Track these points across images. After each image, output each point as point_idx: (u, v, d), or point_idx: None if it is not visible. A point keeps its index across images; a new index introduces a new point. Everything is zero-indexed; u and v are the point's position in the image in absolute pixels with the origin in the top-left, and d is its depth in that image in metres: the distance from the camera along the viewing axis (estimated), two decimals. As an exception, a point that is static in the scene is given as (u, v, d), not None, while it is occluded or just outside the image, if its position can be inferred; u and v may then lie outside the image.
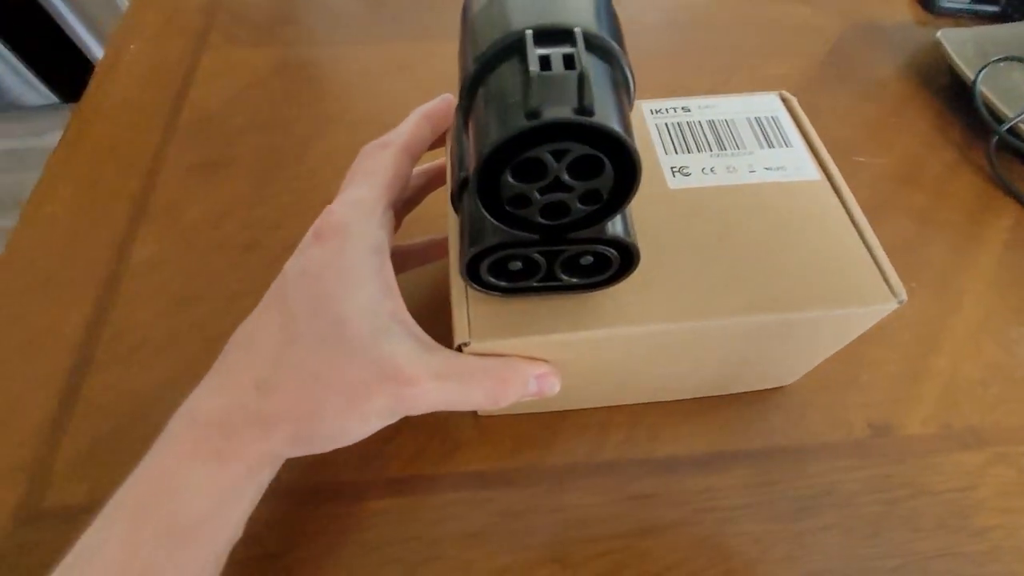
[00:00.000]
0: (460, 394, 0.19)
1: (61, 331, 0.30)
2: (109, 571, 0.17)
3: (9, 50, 1.24)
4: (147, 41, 0.45)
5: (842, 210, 0.23)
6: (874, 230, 0.23)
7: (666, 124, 0.26)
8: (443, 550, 0.26)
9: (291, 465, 0.21)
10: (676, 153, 0.25)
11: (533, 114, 0.13)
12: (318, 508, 0.26)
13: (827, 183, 0.24)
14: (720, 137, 0.25)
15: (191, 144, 0.39)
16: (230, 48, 0.45)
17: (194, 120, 0.40)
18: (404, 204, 0.26)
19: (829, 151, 0.25)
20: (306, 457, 0.20)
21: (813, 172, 0.24)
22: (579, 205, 0.16)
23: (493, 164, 0.14)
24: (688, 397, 0.29)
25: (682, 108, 0.27)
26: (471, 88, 0.16)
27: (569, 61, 0.14)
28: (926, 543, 0.26)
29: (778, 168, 0.24)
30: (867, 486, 0.27)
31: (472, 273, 0.19)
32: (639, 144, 0.24)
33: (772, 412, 0.29)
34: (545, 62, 0.14)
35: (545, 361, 0.21)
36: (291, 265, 0.20)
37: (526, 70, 0.13)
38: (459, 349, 0.20)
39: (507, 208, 0.16)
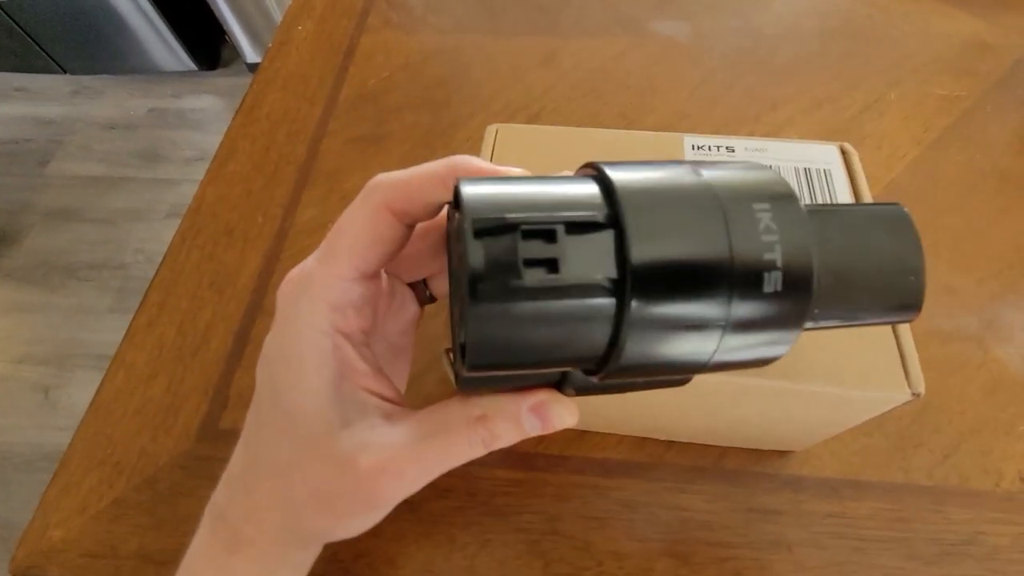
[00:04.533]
0: (442, 454, 0.17)
1: (239, 276, 0.34)
2: None
3: (159, 15, 1.37)
4: (314, 21, 0.49)
5: None
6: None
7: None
8: (564, 527, 0.27)
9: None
10: None
11: None
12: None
13: None
14: None
15: (350, 118, 0.42)
16: (387, 31, 0.48)
17: (353, 96, 0.44)
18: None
19: (996, 182, 0.23)
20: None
21: None
22: None
23: None
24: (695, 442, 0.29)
25: (726, 147, 0.25)
26: None
27: None
28: (1085, 614, 0.24)
29: None
30: (1016, 542, 0.26)
31: None
32: None
33: (913, 449, 0.28)
34: None
35: (542, 389, 0.18)
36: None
37: None
38: (447, 353, 0.18)
39: None
